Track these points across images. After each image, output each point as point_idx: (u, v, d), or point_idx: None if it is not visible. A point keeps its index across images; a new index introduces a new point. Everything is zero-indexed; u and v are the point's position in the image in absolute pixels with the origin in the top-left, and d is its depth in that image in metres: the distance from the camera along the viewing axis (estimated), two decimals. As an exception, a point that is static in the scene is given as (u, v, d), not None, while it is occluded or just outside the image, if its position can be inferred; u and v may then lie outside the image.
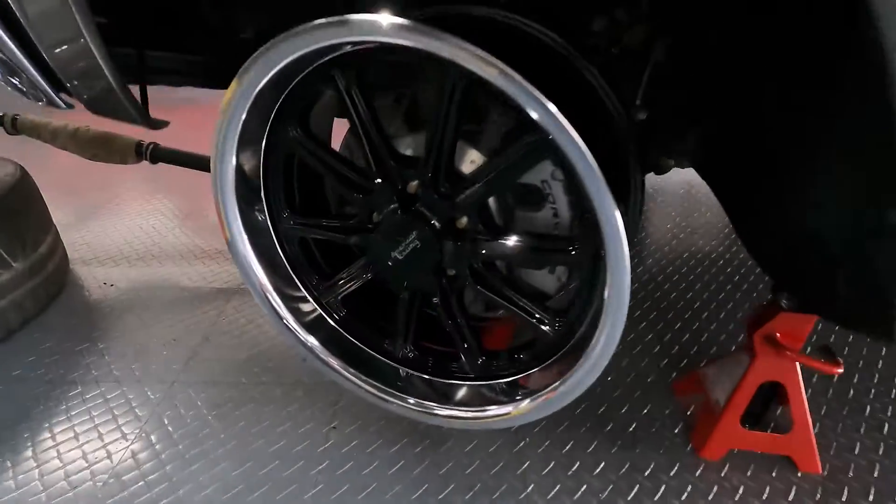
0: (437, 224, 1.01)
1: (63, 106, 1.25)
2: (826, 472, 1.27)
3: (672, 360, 1.63)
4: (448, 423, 1.18)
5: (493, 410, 1.09)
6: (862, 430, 1.37)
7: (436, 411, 1.15)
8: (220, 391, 1.52)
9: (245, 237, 1.16)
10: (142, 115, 1.15)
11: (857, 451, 1.31)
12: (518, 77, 0.73)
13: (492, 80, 0.76)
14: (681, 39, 1.06)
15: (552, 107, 0.73)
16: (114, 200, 2.79)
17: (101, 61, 1.03)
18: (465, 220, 1.01)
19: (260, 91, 0.96)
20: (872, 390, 1.49)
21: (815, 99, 0.83)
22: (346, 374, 1.24)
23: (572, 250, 0.94)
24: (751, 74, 0.95)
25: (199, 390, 1.53)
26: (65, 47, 1.05)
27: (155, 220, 2.58)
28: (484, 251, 1.01)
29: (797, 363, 1.24)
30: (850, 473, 1.26)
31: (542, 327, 1.04)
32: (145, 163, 2.01)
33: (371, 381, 1.23)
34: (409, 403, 1.19)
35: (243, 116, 1.01)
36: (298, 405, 1.47)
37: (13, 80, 1.32)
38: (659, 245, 2.25)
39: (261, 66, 0.91)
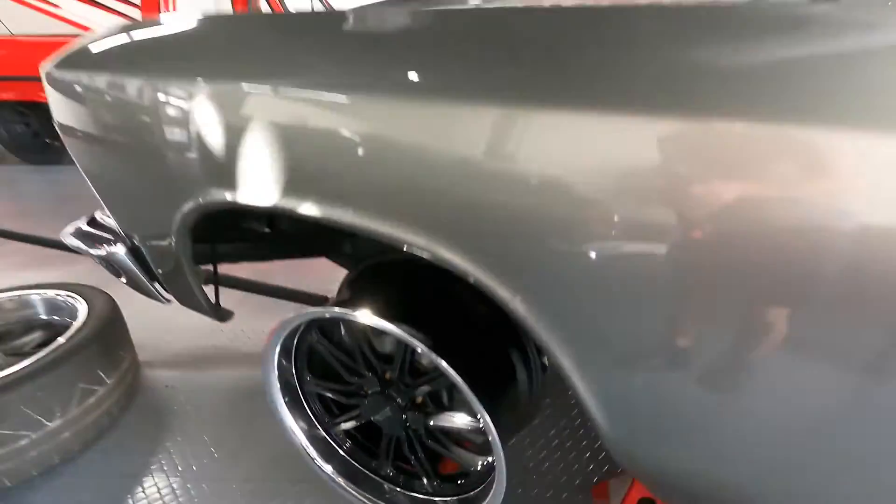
0: (401, 402, 1.65)
1: (164, 301, 1.85)
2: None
3: (600, 462, 1.95)
4: None
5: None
6: None
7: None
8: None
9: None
10: (212, 309, 1.75)
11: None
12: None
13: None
14: None
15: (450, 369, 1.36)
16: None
17: (189, 276, 1.59)
18: (419, 398, 1.65)
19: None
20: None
21: None
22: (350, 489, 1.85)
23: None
24: None
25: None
26: (167, 269, 1.65)
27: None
28: (432, 417, 1.64)
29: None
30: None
31: (469, 463, 1.66)
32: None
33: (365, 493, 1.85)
34: None
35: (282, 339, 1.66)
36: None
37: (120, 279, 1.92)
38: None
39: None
